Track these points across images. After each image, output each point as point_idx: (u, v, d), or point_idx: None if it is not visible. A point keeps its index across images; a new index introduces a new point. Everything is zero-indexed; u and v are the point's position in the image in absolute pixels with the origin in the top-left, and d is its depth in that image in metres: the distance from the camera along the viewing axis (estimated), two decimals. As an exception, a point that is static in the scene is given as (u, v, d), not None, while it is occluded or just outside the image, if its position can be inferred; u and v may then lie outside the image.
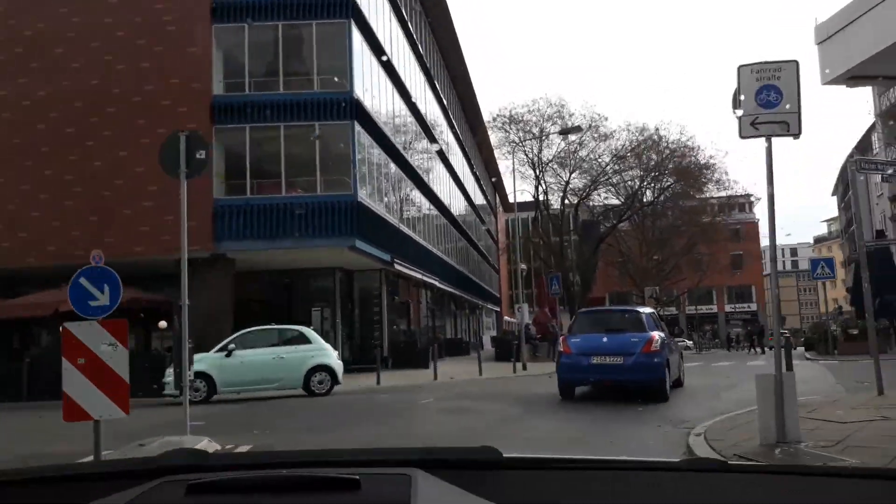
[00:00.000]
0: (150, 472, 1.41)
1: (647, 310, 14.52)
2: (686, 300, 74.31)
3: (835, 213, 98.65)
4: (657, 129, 40.76)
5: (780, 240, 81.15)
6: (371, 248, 19.33)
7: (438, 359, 29.31)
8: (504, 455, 1.45)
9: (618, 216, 44.63)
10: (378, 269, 21.47)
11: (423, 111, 31.42)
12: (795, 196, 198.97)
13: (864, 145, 52.87)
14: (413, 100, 29.08)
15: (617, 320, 13.67)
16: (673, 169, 41.22)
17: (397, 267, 20.92)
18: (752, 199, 51.69)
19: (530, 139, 40.77)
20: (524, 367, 21.40)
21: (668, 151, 41.01)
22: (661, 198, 45.33)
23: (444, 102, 38.64)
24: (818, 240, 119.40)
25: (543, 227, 43.01)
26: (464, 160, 44.36)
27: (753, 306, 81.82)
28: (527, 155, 41.51)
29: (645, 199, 44.59)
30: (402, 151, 26.33)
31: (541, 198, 41.21)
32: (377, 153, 22.33)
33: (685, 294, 66.55)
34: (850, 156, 60.24)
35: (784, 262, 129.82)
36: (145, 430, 8.78)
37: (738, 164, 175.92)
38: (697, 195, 44.19)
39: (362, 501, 1.25)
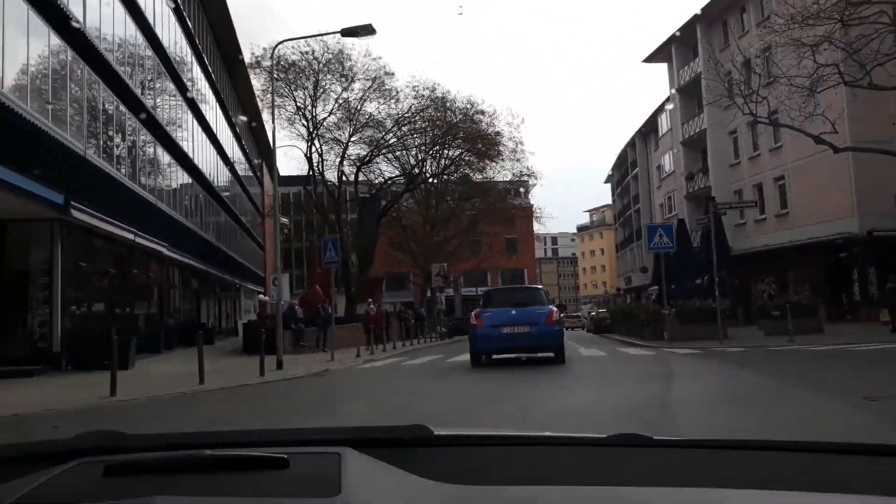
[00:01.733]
0: (64, 454, 1.36)
1: (541, 286, 16.75)
2: (462, 282, 72.41)
3: (604, 201, 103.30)
4: (446, 94, 36.28)
5: (544, 229, 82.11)
6: (25, 182, 11.71)
7: (167, 350, 22.05)
8: (435, 433, 1.45)
9: (400, 190, 39.47)
10: (47, 220, 13.70)
11: (164, 43, 23.68)
12: (566, 184, 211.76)
13: (647, 129, 52.85)
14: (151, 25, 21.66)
15: (522, 296, 15.45)
16: (464, 136, 36.77)
17: (77, 215, 13.18)
18: (531, 181, 50.17)
19: (302, 89, 34.24)
20: (279, 366, 14.97)
21: (459, 116, 36.50)
22: (448, 171, 40.96)
23: (197, 42, 30.61)
24: (581, 228, 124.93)
25: (318, 199, 36.77)
26: (220, 112, 36.36)
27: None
28: (300, 110, 34.91)
29: (428, 172, 39.92)
30: (134, 87, 18.95)
31: (315, 164, 35.04)
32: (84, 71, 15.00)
33: (460, 276, 63.90)
34: (631, 141, 61.02)
35: (546, 249, 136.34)
36: None
37: (533, 134, 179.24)
38: (483, 166, 40.20)
39: (290, 481, 1.22)
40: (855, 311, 26.55)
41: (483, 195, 47.84)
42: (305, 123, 35.42)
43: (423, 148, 37.07)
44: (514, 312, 13.79)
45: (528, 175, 50.15)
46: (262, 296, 47.88)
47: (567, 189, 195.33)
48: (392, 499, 1.18)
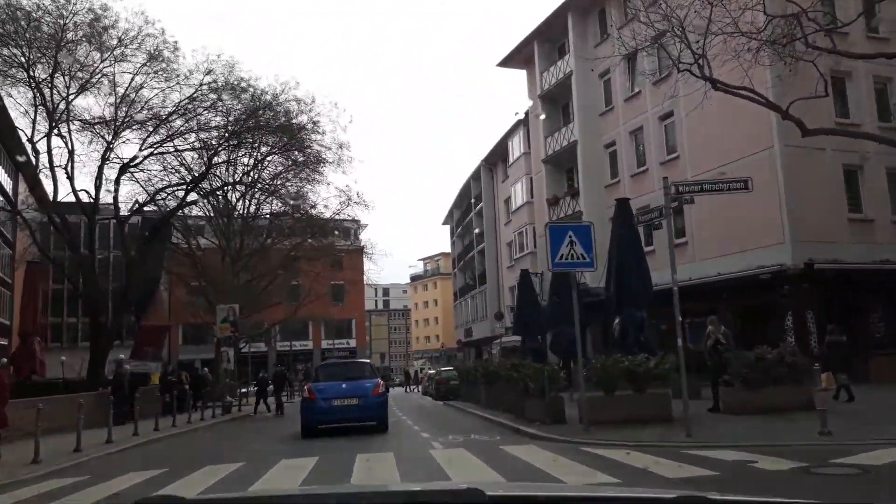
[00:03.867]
0: None
1: (368, 360, 20.18)
2: (278, 334, 61.45)
3: (440, 249, 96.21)
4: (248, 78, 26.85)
5: (376, 279, 73.50)
6: None
7: None
8: (488, 494, 1.40)
9: (183, 200, 29.01)
10: None
11: None
12: (400, 227, 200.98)
13: (494, 158, 45.79)
14: None
15: (351, 370, 16.63)
16: (266, 126, 27.24)
17: None
18: (361, 212, 42.53)
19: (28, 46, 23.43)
20: None
21: (267, 98, 27.00)
22: (253, 181, 31.17)
23: None
24: (414, 278, 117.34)
25: (58, 231, 25.95)
26: None
27: (353, 342, 72.54)
28: (33, 81, 23.92)
29: (222, 179, 29.89)
30: None
31: (65, 167, 24.43)
32: None
33: (277, 326, 53.29)
34: (475, 173, 53.88)
35: (377, 301, 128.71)
36: None
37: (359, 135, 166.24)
38: (301, 176, 30.98)
39: None
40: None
41: (304, 228, 38.84)
42: (43, 100, 24.42)
43: (212, 144, 26.98)
44: (344, 386, 14.90)
45: (358, 201, 41.61)
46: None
47: (401, 233, 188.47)
48: None
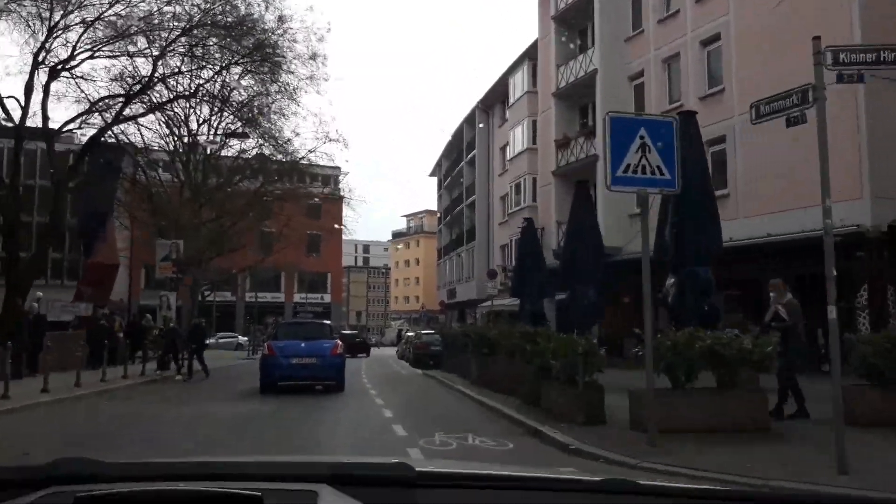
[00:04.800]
0: (37, 482, 1.33)
1: (328, 322, 21.24)
2: (247, 283, 57.02)
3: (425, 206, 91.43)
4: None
5: (357, 235, 69.02)
6: None
7: None
8: (417, 469, 1.38)
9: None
10: None
11: None
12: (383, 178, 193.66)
13: (491, 98, 41.06)
14: None
15: (310, 330, 17.01)
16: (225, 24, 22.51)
17: None
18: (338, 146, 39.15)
19: None
20: None
21: None
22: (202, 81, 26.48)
23: None
24: (397, 235, 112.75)
25: None
26: None
27: (328, 297, 68.45)
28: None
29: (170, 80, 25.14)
30: None
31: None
32: None
33: (245, 272, 48.90)
34: (469, 116, 49.25)
35: (357, 257, 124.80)
36: None
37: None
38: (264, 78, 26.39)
39: None
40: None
41: (275, 170, 34.82)
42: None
43: (160, 42, 22.23)
44: (303, 345, 15.29)
45: (336, 138, 37.21)
46: None
47: (385, 189, 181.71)
48: None
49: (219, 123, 32.31)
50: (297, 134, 34.94)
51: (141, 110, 25.50)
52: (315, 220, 51.92)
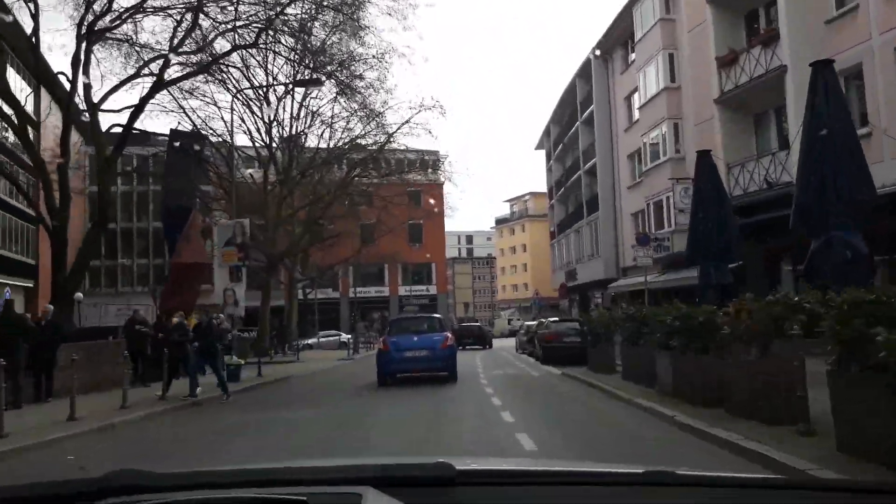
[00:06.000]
0: (91, 494, 1.34)
1: (438, 315, 21.08)
2: (350, 277, 53.39)
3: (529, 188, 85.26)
4: None
5: (459, 226, 64.72)
6: None
7: None
8: (457, 469, 1.39)
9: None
10: None
11: None
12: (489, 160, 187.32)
13: (609, 42, 34.96)
14: None
15: (422, 323, 17.74)
16: None
17: None
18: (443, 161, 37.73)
19: None
20: None
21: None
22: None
23: None
24: (500, 221, 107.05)
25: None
26: None
27: (433, 289, 64.24)
28: None
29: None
30: None
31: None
32: None
33: (346, 264, 45.13)
34: (582, 71, 43.24)
35: (460, 248, 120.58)
36: None
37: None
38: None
39: None
40: None
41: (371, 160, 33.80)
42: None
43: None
44: (415, 339, 16.23)
45: (433, 105, 32.82)
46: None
47: (486, 174, 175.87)
48: None
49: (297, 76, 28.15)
50: (389, 106, 30.96)
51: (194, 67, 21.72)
52: (415, 206, 47.65)
